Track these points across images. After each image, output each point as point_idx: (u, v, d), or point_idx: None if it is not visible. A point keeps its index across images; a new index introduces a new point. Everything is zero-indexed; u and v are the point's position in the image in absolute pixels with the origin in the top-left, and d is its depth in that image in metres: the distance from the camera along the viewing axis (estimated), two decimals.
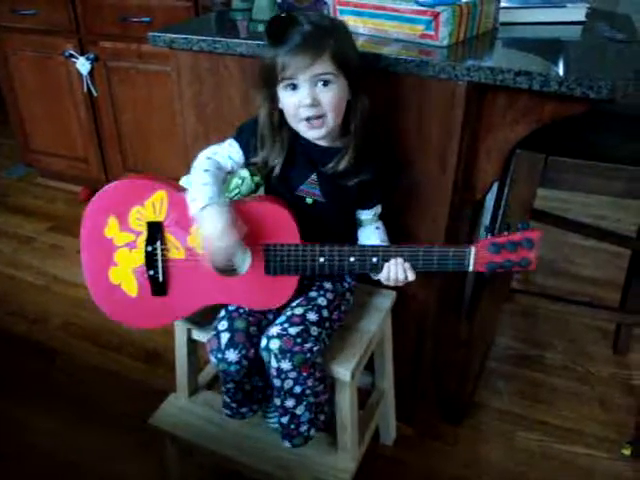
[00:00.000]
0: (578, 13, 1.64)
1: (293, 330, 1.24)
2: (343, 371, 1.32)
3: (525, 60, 1.36)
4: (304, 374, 1.26)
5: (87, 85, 2.79)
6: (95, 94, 2.81)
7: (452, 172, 1.38)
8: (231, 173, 1.34)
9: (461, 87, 1.27)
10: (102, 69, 2.74)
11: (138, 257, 1.30)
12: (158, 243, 1.28)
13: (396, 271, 1.23)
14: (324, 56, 1.14)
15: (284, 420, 1.35)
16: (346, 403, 1.37)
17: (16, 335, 2.25)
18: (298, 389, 1.29)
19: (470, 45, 1.41)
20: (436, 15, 1.32)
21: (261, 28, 1.54)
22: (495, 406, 1.95)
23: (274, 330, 1.25)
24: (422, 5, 1.35)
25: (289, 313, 1.29)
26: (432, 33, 1.35)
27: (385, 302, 1.51)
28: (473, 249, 1.20)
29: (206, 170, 1.24)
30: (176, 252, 1.29)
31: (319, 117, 1.19)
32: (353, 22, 1.46)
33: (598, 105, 1.23)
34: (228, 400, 1.43)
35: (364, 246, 1.26)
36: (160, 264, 1.30)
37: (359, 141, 1.25)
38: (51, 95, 2.97)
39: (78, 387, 2.01)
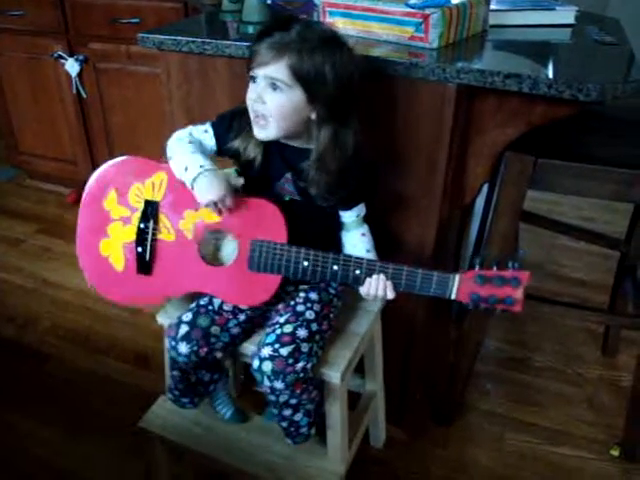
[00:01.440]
0: (567, 16, 1.65)
1: (284, 351, 1.23)
2: (333, 374, 1.31)
3: (515, 63, 1.37)
4: (297, 391, 1.26)
5: (76, 86, 2.78)
6: (84, 95, 2.80)
7: (442, 174, 1.38)
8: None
9: (451, 89, 1.27)
10: (91, 70, 2.73)
11: (130, 232, 1.32)
12: (151, 222, 1.30)
13: (376, 287, 1.22)
14: (281, 62, 1.14)
15: (284, 424, 1.37)
16: (336, 406, 1.37)
17: (5, 338, 2.23)
18: (294, 401, 1.29)
19: (460, 47, 1.41)
20: (426, 17, 1.33)
21: (251, 30, 1.54)
22: (484, 408, 1.95)
23: (266, 351, 1.24)
24: (412, 7, 1.35)
25: (278, 332, 1.27)
26: (422, 35, 1.36)
27: (375, 304, 1.50)
28: (457, 277, 1.17)
29: (190, 142, 1.29)
30: (167, 233, 1.31)
31: (264, 116, 1.20)
32: (342, 24, 1.46)
33: (587, 107, 1.24)
34: (172, 386, 1.44)
35: (350, 256, 1.25)
36: (149, 242, 1.31)
37: (329, 168, 1.23)
38: (40, 97, 2.96)
39: (67, 390, 2.00)
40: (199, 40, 1.46)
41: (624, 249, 2.06)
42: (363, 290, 1.24)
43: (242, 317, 1.35)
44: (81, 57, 2.70)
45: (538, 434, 1.86)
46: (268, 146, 1.28)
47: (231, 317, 1.34)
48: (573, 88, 1.16)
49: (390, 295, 1.22)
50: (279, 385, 1.23)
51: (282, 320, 1.30)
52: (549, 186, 1.44)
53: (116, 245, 1.33)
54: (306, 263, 1.24)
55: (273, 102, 1.17)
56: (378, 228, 1.40)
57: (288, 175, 1.28)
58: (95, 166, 3.00)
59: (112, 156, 2.89)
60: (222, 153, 1.34)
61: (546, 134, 1.48)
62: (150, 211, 1.31)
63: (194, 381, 1.42)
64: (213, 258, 1.33)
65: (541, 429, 1.88)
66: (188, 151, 1.26)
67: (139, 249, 1.32)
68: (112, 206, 1.33)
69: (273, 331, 1.28)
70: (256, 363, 1.25)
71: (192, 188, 1.23)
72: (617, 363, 2.14)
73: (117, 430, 1.82)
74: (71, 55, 2.72)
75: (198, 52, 1.48)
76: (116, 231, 1.33)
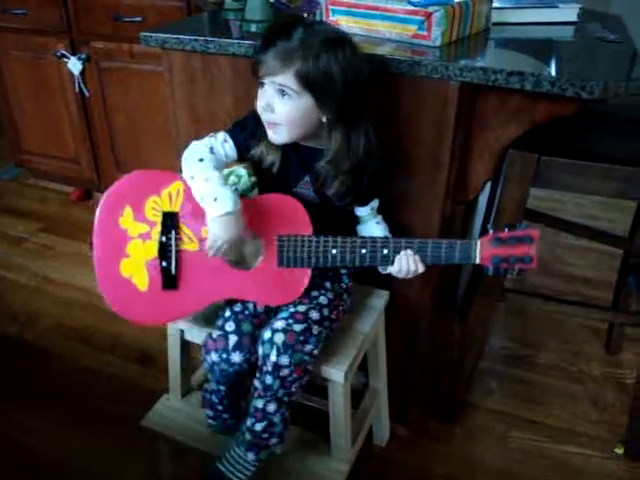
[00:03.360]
0: (570, 13, 1.64)
1: (297, 327, 1.26)
2: (336, 372, 1.31)
3: (517, 60, 1.37)
4: (295, 375, 1.26)
5: (79, 85, 2.78)
6: (87, 94, 2.80)
7: (445, 172, 1.38)
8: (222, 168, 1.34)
9: (454, 87, 1.27)
10: (94, 69, 2.73)
11: (151, 249, 1.29)
12: (173, 233, 1.28)
13: (407, 262, 1.24)
14: (288, 71, 1.14)
15: (259, 427, 1.33)
16: (339, 404, 1.37)
17: (7, 337, 2.24)
18: (281, 393, 1.29)
19: (463, 45, 1.41)
20: (429, 15, 1.32)
21: (254, 28, 1.53)
22: (488, 406, 1.95)
23: (279, 324, 1.26)
24: (415, 5, 1.35)
25: (292, 309, 1.30)
26: (425, 33, 1.35)
27: (379, 302, 1.50)
28: (479, 241, 1.22)
29: (216, 168, 1.24)
30: (190, 243, 1.28)
31: (275, 123, 1.21)
32: (346, 22, 1.46)
33: (590, 105, 1.23)
34: (216, 401, 1.44)
35: (375, 238, 1.27)
36: (173, 255, 1.29)
37: (343, 169, 1.24)
38: (43, 95, 2.96)
39: (71, 388, 2.00)
40: (202, 39, 1.46)
41: (627, 247, 2.06)
42: (394, 268, 1.26)
43: (273, 315, 1.35)
44: (84, 56, 2.70)
45: (542, 432, 1.86)
46: (286, 149, 1.28)
47: (265, 317, 1.35)
48: (576, 86, 1.16)
49: (421, 268, 1.25)
50: (284, 360, 1.24)
51: (296, 301, 1.32)
52: (552, 184, 1.44)
53: (138, 264, 1.30)
54: (334, 251, 1.25)
55: (282, 109, 1.18)
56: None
57: (307, 178, 1.29)
58: (98, 165, 3.02)
59: (115, 154, 2.92)
60: (243, 158, 1.34)
61: (549, 132, 1.48)
62: (170, 223, 1.28)
63: (239, 392, 1.43)
64: (240, 262, 1.31)
65: (545, 427, 1.88)
66: (218, 181, 1.21)
67: (164, 263, 1.29)
68: (129, 224, 1.28)
69: (287, 309, 1.30)
70: (267, 334, 1.25)
71: (211, 220, 1.20)
72: (621, 361, 2.14)
73: (120, 428, 1.82)
74: (74, 54, 2.72)
75: (201, 51, 1.48)
76: (136, 249, 1.29)
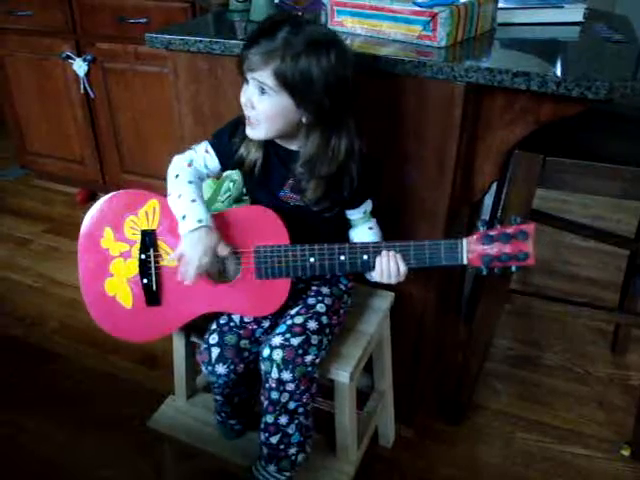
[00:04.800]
0: (576, 14, 1.64)
1: (295, 341, 1.24)
2: (342, 373, 1.31)
3: (523, 61, 1.36)
4: (302, 387, 1.26)
5: (84, 86, 2.78)
6: (92, 95, 2.80)
7: (450, 173, 1.37)
8: (205, 179, 1.34)
9: (459, 88, 1.27)
10: (99, 70, 2.73)
11: (132, 267, 1.31)
12: (151, 250, 1.29)
13: (388, 263, 1.21)
14: (266, 69, 1.13)
15: (274, 440, 1.33)
16: (345, 405, 1.37)
17: (13, 338, 2.24)
18: (292, 405, 1.29)
19: (468, 46, 1.41)
20: (434, 16, 1.32)
21: None
22: (494, 407, 1.94)
23: (276, 340, 1.25)
24: (420, 6, 1.35)
25: (289, 322, 1.28)
26: (430, 34, 1.35)
27: (384, 303, 1.50)
28: (465, 240, 1.19)
29: (190, 182, 1.26)
30: (169, 260, 1.29)
31: (255, 119, 1.20)
32: (351, 23, 1.45)
33: (596, 106, 1.23)
34: (218, 409, 1.47)
35: (355, 244, 1.26)
36: (153, 272, 1.30)
37: (319, 173, 1.23)
38: (48, 96, 2.97)
39: (76, 390, 2.00)
40: (207, 40, 1.46)
41: (634, 247, 2.05)
42: (376, 273, 1.23)
43: (266, 323, 1.35)
44: (89, 57, 2.71)
45: (548, 433, 1.86)
46: (268, 151, 1.27)
47: (256, 327, 1.34)
48: (582, 86, 1.16)
49: (402, 267, 1.21)
50: (287, 376, 1.23)
51: (293, 312, 1.31)
52: (558, 184, 1.44)
53: (121, 282, 1.32)
54: (312, 259, 1.23)
55: (261, 106, 1.17)
56: (387, 225, 1.40)
57: (290, 181, 1.28)
58: (103, 166, 3.03)
59: (120, 156, 2.93)
60: (227, 168, 1.34)
61: (555, 132, 1.48)
62: (148, 240, 1.29)
63: (237, 402, 1.44)
64: (219, 276, 1.31)
65: (551, 428, 1.88)
66: (188, 197, 1.23)
67: (144, 280, 1.31)
68: (110, 244, 1.31)
69: (284, 322, 1.29)
70: (266, 351, 1.25)
71: (183, 237, 1.21)
72: (627, 362, 2.13)
73: (126, 430, 1.82)
74: (79, 55, 2.73)
75: (206, 52, 1.48)
76: (118, 268, 1.32)
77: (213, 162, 1.31)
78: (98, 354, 2.15)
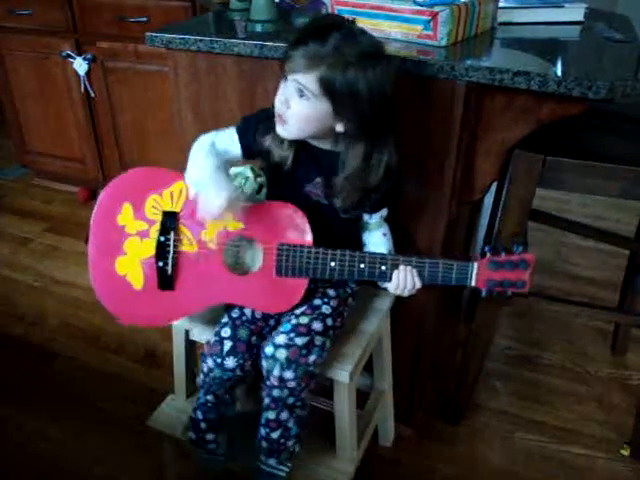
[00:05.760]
0: (576, 13, 1.64)
1: (300, 341, 1.24)
2: (342, 372, 1.31)
3: (523, 60, 1.36)
4: (303, 384, 1.26)
5: (84, 85, 2.78)
6: (92, 94, 2.80)
7: (451, 172, 1.37)
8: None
9: (460, 87, 1.27)
10: (99, 69, 2.73)
11: (148, 247, 1.28)
12: (172, 234, 1.27)
13: (405, 278, 1.22)
14: (312, 73, 1.12)
15: (275, 435, 1.34)
16: (345, 405, 1.37)
17: (14, 337, 2.24)
18: (291, 400, 1.29)
19: (469, 45, 1.41)
20: (434, 15, 1.32)
21: (259, 28, 1.53)
22: (493, 406, 1.94)
23: (281, 339, 1.25)
24: (420, 5, 1.35)
25: (294, 322, 1.28)
26: (430, 33, 1.35)
27: (384, 303, 1.50)
28: (476, 264, 1.20)
29: (209, 154, 1.25)
30: (188, 245, 1.27)
31: (286, 118, 1.18)
32: None
33: (597, 105, 1.23)
34: (200, 417, 1.41)
35: (374, 254, 1.26)
36: (171, 256, 1.28)
37: (358, 186, 1.23)
38: (48, 96, 2.96)
39: (76, 389, 2.00)
40: (207, 39, 1.46)
41: (633, 247, 2.05)
42: (392, 285, 1.24)
43: (272, 322, 1.35)
44: (89, 56, 2.70)
45: (547, 433, 1.86)
46: (299, 147, 1.26)
47: (263, 324, 1.34)
48: (582, 86, 1.16)
49: (418, 284, 1.23)
50: (289, 375, 1.23)
51: (298, 312, 1.30)
52: (558, 184, 1.44)
53: (134, 262, 1.29)
54: (333, 264, 1.24)
55: (297, 108, 1.16)
56: (388, 224, 1.40)
57: (319, 179, 1.27)
58: (103, 165, 3.03)
59: (120, 154, 2.93)
60: (249, 157, 1.32)
61: (555, 132, 1.48)
62: (169, 223, 1.27)
63: (222, 413, 1.42)
64: (237, 267, 1.30)
65: (550, 427, 1.88)
66: (206, 159, 1.24)
67: (160, 263, 1.28)
68: (127, 221, 1.28)
69: (289, 321, 1.29)
70: (270, 349, 1.25)
71: (197, 196, 1.21)
72: (627, 362, 2.13)
73: (126, 428, 1.83)
74: (79, 54, 2.73)
75: (206, 51, 1.48)
76: (133, 247, 1.28)
77: (235, 149, 1.30)
78: (99, 353, 2.15)
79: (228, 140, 1.29)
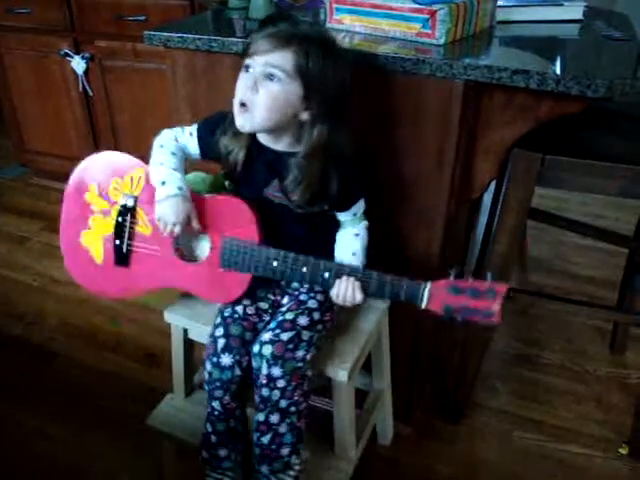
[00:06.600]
0: (575, 11, 1.64)
1: (285, 336, 1.24)
2: (340, 372, 1.31)
3: (522, 59, 1.36)
4: (293, 383, 1.24)
5: (82, 84, 2.78)
6: (90, 93, 2.80)
7: (449, 171, 1.37)
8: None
9: (458, 86, 1.26)
10: (97, 68, 2.73)
11: (109, 225, 1.36)
12: (128, 216, 1.34)
13: (345, 288, 1.21)
14: (287, 50, 1.12)
15: (265, 439, 1.30)
16: (343, 404, 1.37)
17: (13, 336, 2.24)
18: (284, 403, 1.26)
19: (467, 43, 1.41)
20: (433, 13, 1.32)
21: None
22: (492, 406, 1.94)
23: (266, 336, 1.25)
24: (419, 4, 1.35)
25: (280, 318, 1.29)
26: (429, 31, 1.35)
27: (382, 301, 1.50)
28: (428, 285, 1.17)
29: (173, 153, 1.31)
30: (144, 228, 1.34)
31: (252, 105, 1.17)
32: (350, 20, 1.45)
33: (596, 104, 1.23)
34: (210, 429, 1.36)
35: (319, 260, 1.23)
36: (126, 235, 1.34)
37: (313, 169, 1.22)
38: (46, 94, 2.96)
39: (76, 388, 2.00)
40: (205, 37, 1.46)
41: (632, 246, 2.05)
42: (333, 292, 1.24)
43: (266, 317, 1.35)
44: (87, 55, 2.70)
45: (546, 432, 1.86)
46: (251, 150, 1.27)
47: (257, 320, 1.33)
48: (581, 84, 1.16)
49: (358, 298, 1.21)
50: (277, 372, 1.23)
51: (284, 309, 1.32)
52: (557, 183, 1.44)
53: (96, 237, 1.38)
54: (275, 263, 1.24)
55: (267, 91, 1.15)
56: (385, 225, 1.40)
57: (275, 182, 1.27)
58: None
59: None
60: (206, 157, 1.35)
61: (554, 131, 1.47)
62: (127, 205, 1.34)
63: (233, 425, 1.36)
64: (186, 254, 1.35)
65: (549, 426, 1.88)
66: (169, 166, 1.28)
67: (117, 242, 1.35)
68: (93, 199, 1.37)
69: (275, 318, 1.30)
70: (256, 347, 1.25)
71: (158, 202, 1.25)
72: (625, 361, 2.13)
73: (125, 427, 1.82)
74: (77, 53, 2.73)
75: (204, 49, 1.47)
76: (97, 223, 1.37)
77: (194, 148, 1.34)
78: (97, 352, 2.15)
79: (188, 137, 1.34)
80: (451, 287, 1.15)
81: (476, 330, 1.73)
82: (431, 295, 1.17)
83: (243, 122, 1.20)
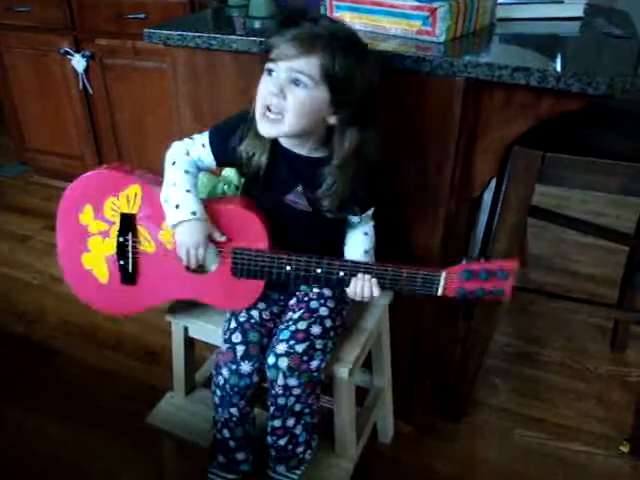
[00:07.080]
0: (576, 9, 1.63)
1: (299, 347, 1.23)
2: (341, 369, 1.31)
3: (523, 56, 1.36)
4: (307, 391, 1.25)
5: (83, 82, 2.78)
6: (91, 91, 2.80)
7: (449, 169, 1.37)
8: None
9: (459, 83, 1.26)
10: (98, 66, 2.73)
11: (110, 246, 1.32)
12: (130, 235, 1.30)
13: (362, 286, 1.21)
14: (312, 56, 1.07)
15: (282, 442, 1.33)
16: (344, 402, 1.36)
17: (13, 335, 2.24)
18: (298, 407, 1.27)
19: (467, 41, 1.40)
20: (433, 11, 1.32)
21: (257, 25, 1.53)
22: (493, 403, 1.94)
23: (281, 348, 1.23)
24: (419, 1, 1.34)
25: (293, 328, 1.26)
26: (429, 29, 1.35)
27: (383, 299, 1.49)
28: (444, 274, 1.18)
29: (186, 172, 1.24)
30: (147, 245, 1.30)
31: (280, 111, 1.12)
32: (350, 18, 1.45)
33: (596, 101, 1.23)
34: (227, 435, 1.35)
35: (333, 259, 1.23)
36: (130, 255, 1.31)
37: (347, 175, 1.19)
38: (47, 93, 2.96)
39: (76, 386, 2.00)
40: (205, 35, 1.46)
41: (633, 244, 2.05)
42: (350, 291, 1.23)
43: (278, 321, 1.34)
44: (88, 53, 2.70)
45: (547, 429, 1.86)
46: (274, 155, 1.23)
47: (272, 325, 1.33)
48: (582, 82, 1.15)
49: (376, 293, 1.21)
50: (293, 382, 1.22)
51: (296, 316, 1.29)
52: (557, 181, 1.43)
53: (98, 258, 1.34)
54: (288, 268, 1.23)
55: (294, 98, 1.10)
56: (385, 224, 1.40)
57: (299, 188, 1.24)
58: (102, 162, 3.03)
59: (119, 152, 2.93)
60: (223, 165, 1.32)
61: (554, 128, 1.47)
62: (127, 224, 1.29)
63: (248, 429, 1.36)
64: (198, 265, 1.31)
65: (550, 424, 1.88)
66: (183, 187, 1.21)
67: (121, 262, 1.32)
68: (89, 221, 1.32)
69: (287, 327, 1.27)
70: (272, 359, 1.23)
71: (173, 227, 1.20)
72: (626, 358, 2.13)
73: (125, 425, 1.82)
74: (78, 51, 2.73)
75: (205, 47, 1.47)
76: (96, 245, 1.33)
77: (208, 158, 1.27)
78: (98, 351, 2.15)
79: (201, 149, 1.27)
80: (464, 272, 1.17)
81: (476, 327, 1.74)
82: (445, 283, 1.19)
83: (269, 129, 1.15)
